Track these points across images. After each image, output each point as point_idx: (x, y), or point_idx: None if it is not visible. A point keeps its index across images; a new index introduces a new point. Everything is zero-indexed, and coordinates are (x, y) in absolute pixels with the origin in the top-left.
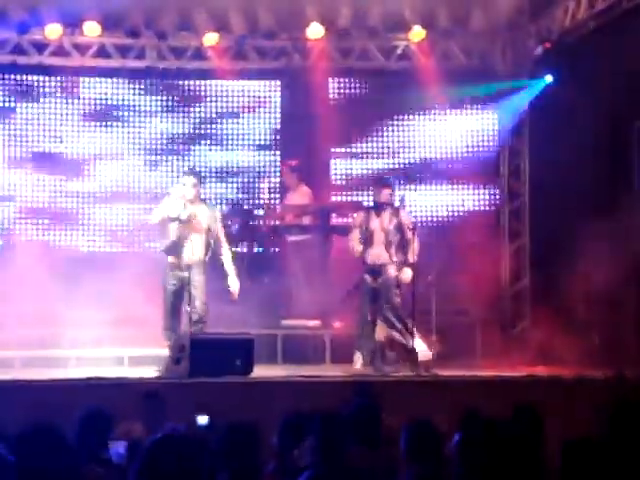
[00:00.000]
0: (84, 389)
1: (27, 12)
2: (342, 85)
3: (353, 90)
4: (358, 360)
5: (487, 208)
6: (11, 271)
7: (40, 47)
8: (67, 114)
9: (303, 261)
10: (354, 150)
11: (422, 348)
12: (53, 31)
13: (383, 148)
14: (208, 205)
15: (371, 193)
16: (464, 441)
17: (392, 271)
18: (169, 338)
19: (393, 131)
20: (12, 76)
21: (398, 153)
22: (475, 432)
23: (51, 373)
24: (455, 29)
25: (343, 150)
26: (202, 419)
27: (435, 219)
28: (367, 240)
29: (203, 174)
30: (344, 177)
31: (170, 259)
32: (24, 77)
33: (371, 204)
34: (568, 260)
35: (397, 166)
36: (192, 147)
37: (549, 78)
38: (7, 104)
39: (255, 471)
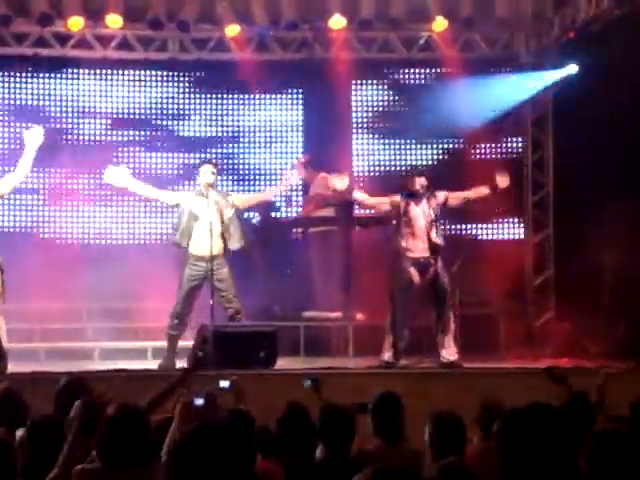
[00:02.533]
0: (108, 381)
1: (49, 4)
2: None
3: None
4: (387, 351)
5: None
6: (34, 265)
7: (62, 39)
8: (91, 104)
9: (325, 253)
10: (378, 141)
11: (453, 348)
12: (75, 23)
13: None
14: (222, 194)
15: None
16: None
17: (439, 264)
18: (174, 328)
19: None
20: (34, 68)
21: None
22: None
23: (75, 365)
24: (478, 19)
25: (367, 141)
26: (224, 382)
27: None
28: (407, 229)
29: (225, 167)
30: (368, 169)
31: (190, 251)
32: (46, 69)
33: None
34: (593, 251)
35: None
36: (216, 142)
37: (573, 68)
38: (30, 96)
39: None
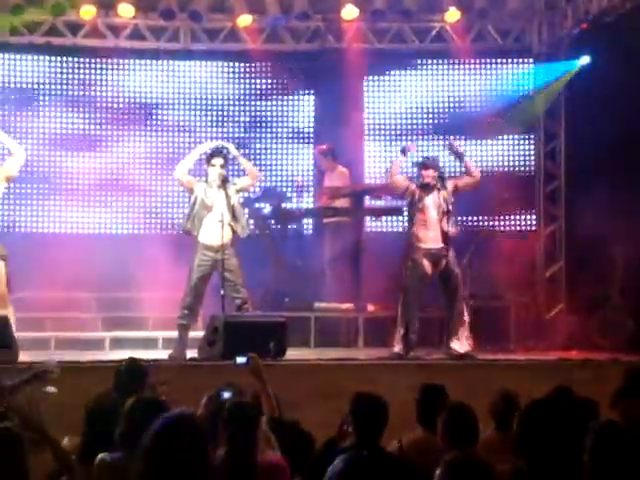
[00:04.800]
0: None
1: None
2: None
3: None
4: (398, 343)
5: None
6: (45, 255)
7: (74, 28)
8: (100, 95)
9: (337, 244)
10: (389, 131)
11: (465, 340)
12: (87, 12)
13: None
14: (229, 183)
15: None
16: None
17: (451, 256)
18: (184, 318)
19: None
20: (46, 57)
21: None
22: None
23: (86, 355)
24: (491, 9)
25: (377, 131)
26: (241, 359)
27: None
28: (420, 219)
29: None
30: (379, 160)
31: (200, 240)
32: (58, 58)
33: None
34: (604, 243)
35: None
36: (224, 130)
37: (586, 59)
38: (41, 85)
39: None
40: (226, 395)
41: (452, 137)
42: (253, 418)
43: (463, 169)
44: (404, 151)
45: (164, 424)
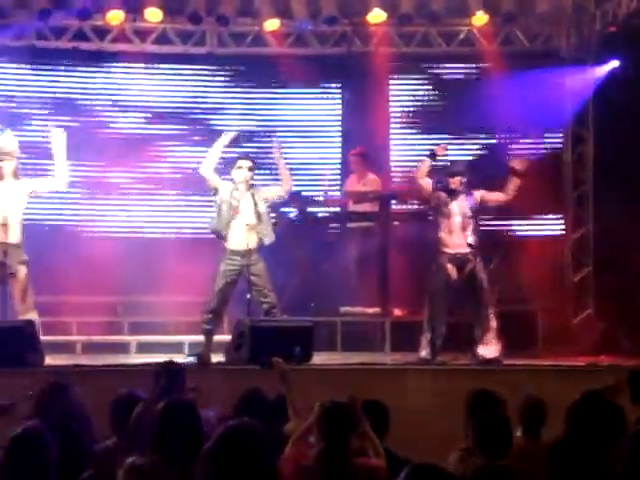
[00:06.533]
0: (143, 375)
1: None
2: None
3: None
4: (425, 347)
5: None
6: (70, 258)
7: (101, 33)
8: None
9: (363, 248)
10: (416, 136)
11: (493, 345)
12: (115, 17)
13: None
14: (256, 188)
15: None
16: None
17: (477, 260)
18: (209, 322)
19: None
20: (74, 62)
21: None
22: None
23: (112, 359)
24: (519, 13)
25: (405, 136)
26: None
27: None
28: (445, 224)
29: (261, 161)
30: (405, 165)
31: (227, 245)
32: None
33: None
34: (632, 248)
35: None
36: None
37: (614, 63)
38: (70, 90)
39: None
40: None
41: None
42: (348, 419)
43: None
44: (433, 154)
45: (228, 431)
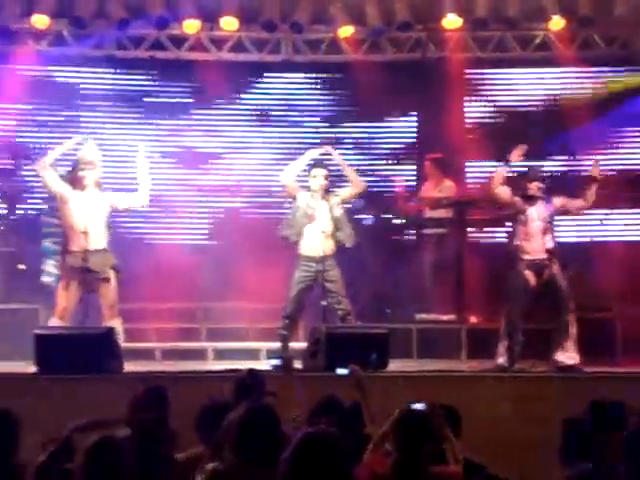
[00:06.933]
0: (221, 381)
1: (165, 7)
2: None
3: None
4: (502, 355)
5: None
6: (149, 266)
7: (178, 42)
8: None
9: (438, 254)
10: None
11: (572, 352)
12: (191, 26)
13: None
14: (331, 194)
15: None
16: None
17: (556, 266)
18: (285, 328)
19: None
20: (151, 71)
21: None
22: None
23: (189, 365)
24: (596, 17)
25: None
26: (342, 370)
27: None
28: (523, 231)
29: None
30: (482, 170)
31: (301, 252)
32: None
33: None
34: None
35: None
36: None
37: None
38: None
39: None
40: (418, 407)
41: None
42: (424, 427)
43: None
44: (508, 161)
45: (307, 438)
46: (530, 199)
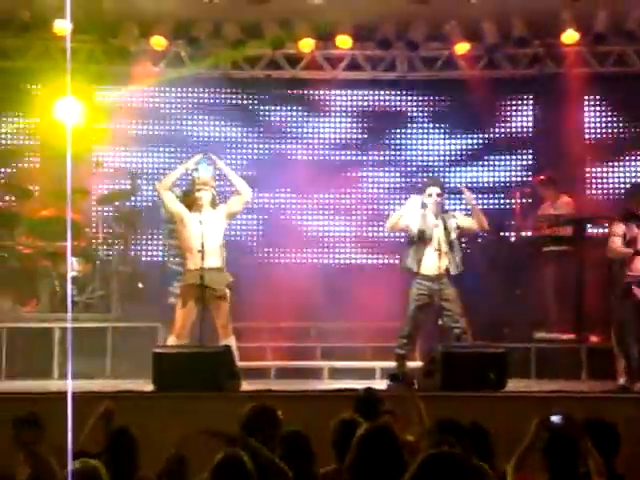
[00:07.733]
0: (334, 400)
1: (281, 27)
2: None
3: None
4: (622, 375)
5: None
6: (266, 283)
7: (293, 61)
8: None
9: (557, 273)
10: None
11: None
12: (306, 45)
13: None
14: (447, 214)
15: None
16: None
17: None
18: (402, 347)
19: None
20: (268, 90)
21: None
22: None
23: (305, 384)
24: None
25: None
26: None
27: None
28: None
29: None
30: (604, 187)
31: (417, 270)
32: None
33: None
34: None
35: None
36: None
37: None
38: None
39: None
40: (556, 420)
41: None
42: (574, 447)
43: None
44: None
45: (431, 459)
46: (638, 219)
